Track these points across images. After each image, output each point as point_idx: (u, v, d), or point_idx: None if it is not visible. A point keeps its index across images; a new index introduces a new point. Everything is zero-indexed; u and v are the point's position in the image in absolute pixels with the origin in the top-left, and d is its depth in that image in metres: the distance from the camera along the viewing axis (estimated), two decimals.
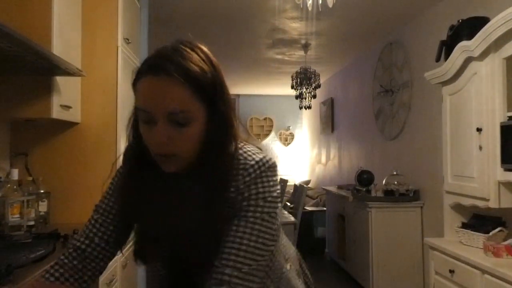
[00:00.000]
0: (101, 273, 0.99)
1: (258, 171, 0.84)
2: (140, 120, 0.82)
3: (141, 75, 0.79)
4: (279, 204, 0.88)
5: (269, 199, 0.84)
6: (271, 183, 0.86)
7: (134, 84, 0.81)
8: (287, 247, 1.09)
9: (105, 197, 1.02)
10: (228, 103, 0.85)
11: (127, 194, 0.90)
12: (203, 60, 0.82)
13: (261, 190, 0.84)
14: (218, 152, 0.84)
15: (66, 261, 0.94)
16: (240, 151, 0.87)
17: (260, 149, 0.91)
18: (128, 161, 0.92)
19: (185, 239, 0.86)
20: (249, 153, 0.87)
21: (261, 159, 0.86)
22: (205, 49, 0.85)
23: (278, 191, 0.87)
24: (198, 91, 0.79)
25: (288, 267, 1.04)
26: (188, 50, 0.82)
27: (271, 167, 0.86)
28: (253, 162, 0.85)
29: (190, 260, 0.87)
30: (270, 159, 0.87)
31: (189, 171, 0.85)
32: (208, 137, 0.83)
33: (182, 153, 0.82)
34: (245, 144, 0.90)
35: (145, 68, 0.79)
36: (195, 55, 0.81)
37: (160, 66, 0.77)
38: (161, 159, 0.83)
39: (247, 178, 0.84)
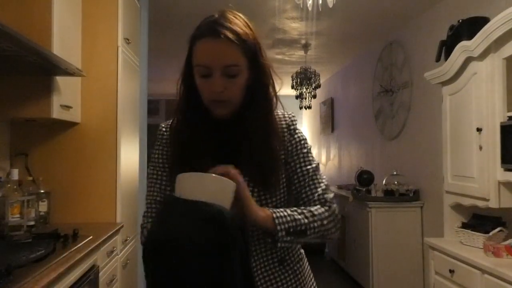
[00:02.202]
0: None
1: (294, 121, 1.12)
2: (197, 74, 1.00)
3: (199, 38, 0.98)
4: None
5: (308, 143, 1.12)
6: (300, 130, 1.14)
7: (192, 46, 1.00)
8: None
9: (155, 164, 1.11)
10: (265, 58, 1.05)
11: (187, 141, 1.04)
12: (246, 25, 1.03)
13: (300, 134, 1.11)
14: (262, 96, 1.04)
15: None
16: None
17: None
18: (184, 111, 1.07)
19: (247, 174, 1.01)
20: (282, 111, 1.12)
21: (291, 114, 1.13)
22: (243, 16, 1.05)
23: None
24: (245, 49, 0.99)
25: None
26: (234, 17, 1.02)
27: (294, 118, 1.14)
28: (287, 115, 1.11)
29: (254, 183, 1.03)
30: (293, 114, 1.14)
31: (236, 117, 1.03)
32: (252, 85, 1.03)
33: (232, 99, 1.01)
34: None
35: (204, 32, 0.97)
36: (240, 21, 1.02)
37: (217, 31, 0.96)
38: (214, 104, 1.01)
39: (286, 126, 1.09)
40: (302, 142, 1.10)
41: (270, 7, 3.56)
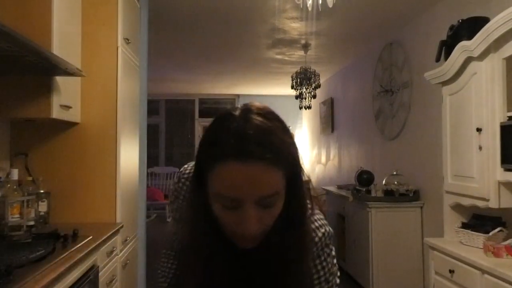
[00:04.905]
0: None
1: (323, 244, 0.85)
2: (218, 204, 0.74)
3: (222, 159, 0.70)
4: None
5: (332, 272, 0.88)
6: (333, 253, 0.88)
7: (209, 166, 0.72)
8: None
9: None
10: (302, 172, 0.79)
11: (197, 275, 0.82)
12: (283, 129, 0.74)
13: (324, 264, 0.86)
14: (296, 218, 0.79)
15: None
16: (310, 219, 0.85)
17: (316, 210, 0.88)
18: (202, 249, 0.81)
19: None
20: (316, 224, 0.85)
21: (326, 231, 0.86)
22: (275, 112, 0.76)
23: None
24: (286, 170, 0.73)
25: None
26: (266, 121, 0.72)
27: (331, 237, 0.88)
28: (320, 235, 0.85)
29: None
30: (330, 229, 0.87)
31: (260, 245, 0.79)
32: (288, 210, 0.77)
33: (265, 231, 0.76)
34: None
35: (228, 152, 0.69)
36: (274, 126, 0.73)
37: (248, 152, 0.68)
38: (241, 239, 0.77)
39: (314, 249, 0.84)
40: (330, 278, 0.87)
41: (270, 7, 3.56)
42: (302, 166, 0.78)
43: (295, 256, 0.79)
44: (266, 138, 0.70)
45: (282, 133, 0.73)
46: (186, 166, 0.95)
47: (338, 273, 0.92)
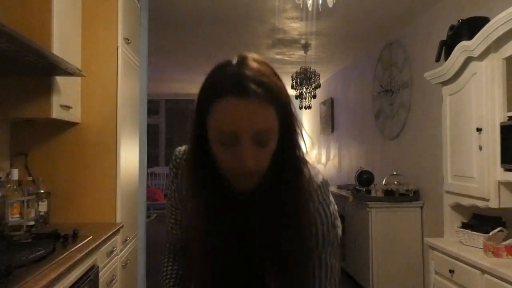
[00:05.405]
0: None
1: (321, 196, 0.89)
2: (215, 141, 0.79)
3: (220, 96, 0.76)
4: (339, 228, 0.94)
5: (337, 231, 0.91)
6: (331, 201, 0.91)
7: (209, 104, 0.78)
8: None
9: (171, 201, 1.04)
10: (295, 111, 0.84)
11: (199, 207, 0.87)
12: (274, 74, 0.82)
13: (327, 210, 0.89)
14: (290, 160, 0.84)
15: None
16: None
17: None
18: (196, 176, 0.87)
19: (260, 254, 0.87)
20: (313, 171, 0.89)
21: (322, 181, 0.90)
22: (266, 61, 0.83)
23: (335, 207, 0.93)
24: (278, 108, 0.79)
25: None
26: (260, 65, 0.80)
27: (327, 185, 0.92)
28: (319, 183, 0.89)
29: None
30: (325, 178, 0.92)
31: (259, 190, 0.84)
32: (282, 152, 0.83)
33: (261, 169, 0.81)
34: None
35: (226, 89, 0.76)
36: (265, 67, 0.81)
37: (245, 87, 0.75)
38: (239, 178, 0.81)
39: (316, 194, 0.88)
40: (329, 232, 0.89)
41: (270, 7, 3.56)
42: (294, 109, 0.84)
43: (293, 200, 0.83)
44: (261, 78, 0.77)
45: (275, 78, 0.81)
46: (179, 147, 1.00)
47: (340, 232, 0.93)
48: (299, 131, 0.84)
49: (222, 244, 0.86)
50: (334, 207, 0.92)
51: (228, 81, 0.77)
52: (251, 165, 0.77)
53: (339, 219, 0.93)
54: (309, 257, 0.87)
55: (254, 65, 0.79)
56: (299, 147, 0.85)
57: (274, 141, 0.80)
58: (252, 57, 0.81)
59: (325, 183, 0.91)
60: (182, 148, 0.99)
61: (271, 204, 0.83)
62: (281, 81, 0.82)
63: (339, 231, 0.93)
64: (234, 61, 0.80)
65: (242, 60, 0.80)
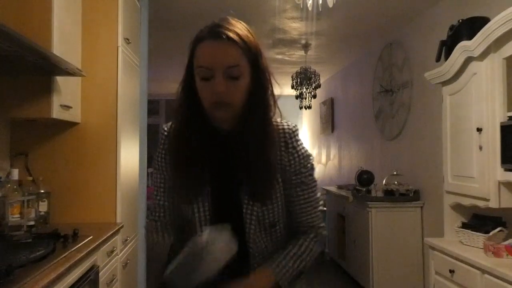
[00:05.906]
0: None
1: (293, 136, 1.08)
2: (198, 77, 1.00)
3: (200, 41, 0.99)
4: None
5: (310, 160, 1.11)
6: (302, 143, 1.11)
7: (193, 49, 1.00)
8: None
9: (157, 168, 1.15)
10: (266, 63, 1.05)
11: (184, 150, 1.05)
12: (247, 29, 1.03)
13: (300, 151, 1.09)
14: (261, 102, 1.04)
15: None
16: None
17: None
18: (183, 118, 1.06)
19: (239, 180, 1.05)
20: (279, 122, 1.09)
21: (292, 126, 1.10)
22: (244, 23, 1.05)
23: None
24: (246, 51, 0.99)
25: None
26: (235, 21, 1.03)
27: (297, 129, 1.12)
28: (285, 127, 1.08)
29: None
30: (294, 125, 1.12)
31: (235, 126, 1.04)
32: (252, 90, 1.02)
33: (234, 101, 1.00)
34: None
35: (205, 35, 0.99)
36: (240, 25, 1.02)
37: (219, 32, 0.97)
38: (215, 107, 1.00)
39: (283, 141, 1.07)
40: (302, 161, 1.09)
41: (270, 7, 3.56)
42: (265, 62, 1.05)
43: (260, 138, 1.02)
44: (234, 28, 0.99)
45: (247, 31, 1.02)
46: (166, 123, 1.16)
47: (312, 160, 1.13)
48: (268, 79, 1.05)
49: (205, 171, 1.05)
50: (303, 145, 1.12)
51: (207, 30, 1.00)
52: (221, 90, 0.96)
53: (312, 155, 1.13)
54: (284, 181, 1.07)
55: (231, 21, 1.02)
56: (267, 93, 1.04)
57: (244, 79, 0.99)
58: (232, 17, 1.04)
59: (293, 127, 1.10)
60: (169, 123, 1.15)
61: (244, 139, 1.02)
62: (253, 36, 1.03)
63: (312, 159, 1.13)
64: (217, 20, 1.02)
65: (223, 18, 1.03)
